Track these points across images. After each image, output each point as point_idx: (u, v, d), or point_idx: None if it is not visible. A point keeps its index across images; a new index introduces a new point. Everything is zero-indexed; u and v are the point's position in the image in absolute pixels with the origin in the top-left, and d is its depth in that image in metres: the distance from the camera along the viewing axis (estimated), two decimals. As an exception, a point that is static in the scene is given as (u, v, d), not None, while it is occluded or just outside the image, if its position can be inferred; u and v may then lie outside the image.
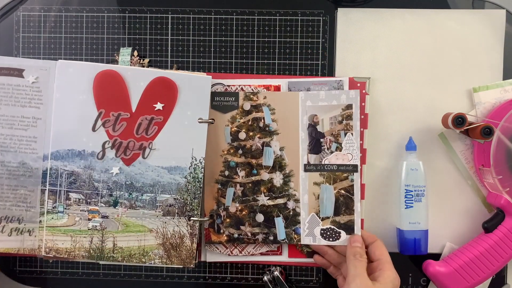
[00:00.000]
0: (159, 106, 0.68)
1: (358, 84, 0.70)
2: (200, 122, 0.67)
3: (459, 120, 0.66)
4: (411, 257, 0.72)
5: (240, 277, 0.74)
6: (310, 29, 0.73)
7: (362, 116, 0.70)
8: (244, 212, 0.70)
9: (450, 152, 0.72)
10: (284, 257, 0.72)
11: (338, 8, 0.72)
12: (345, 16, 0.72)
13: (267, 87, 0.71)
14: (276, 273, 0.71)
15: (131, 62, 0.72)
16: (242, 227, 0.70)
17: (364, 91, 0.70)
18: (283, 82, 0.71)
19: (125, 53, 0.72)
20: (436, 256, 0.71)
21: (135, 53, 0.73)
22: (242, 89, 0.71)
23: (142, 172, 0.68)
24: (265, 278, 0.71)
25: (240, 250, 0.71)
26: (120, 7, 0.74)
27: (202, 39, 0.73)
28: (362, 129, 0.70)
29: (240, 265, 0.73)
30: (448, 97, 0.72)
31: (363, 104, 0.70)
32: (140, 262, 0.69)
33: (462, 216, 0.72)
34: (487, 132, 0.66)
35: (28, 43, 0.74)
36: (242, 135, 0.70)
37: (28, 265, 0.74)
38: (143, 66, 0.72)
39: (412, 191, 0.69)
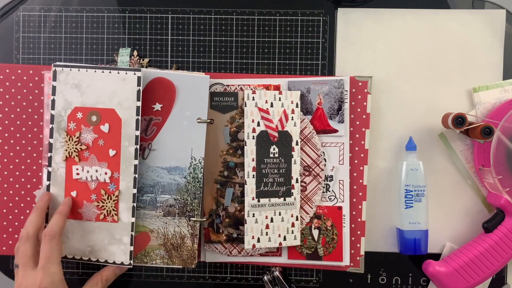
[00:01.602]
0: (157, 106, 0.68)
1: (360, 83, 0.70)
2: (199, 122, 0.67)
3: (459, 120, 0.66)
4: (411, 257, 0.72)
5: (240, 277, 0.74)
6: (310, 29, 0.73)
7: (364, 116, 0.70)
8: (243, 213, 0.70)
9: (450, 152, 0.72)
10: (283, 259, 0.72)
11: (338, 8, 0.72)
12: (345, 16, 0.72)
13: (267, 87, 0.71)
14: (276, 273, 0.71)
15: (130, 62, 0.72)
16: (241, 227, 0.70)
17: (365, 90, 0.70)
18: (282, 81, 0.71)
19: (124, 54, 0.72)
20: (436, 256, 0.71)
21: (135, 53, 0.73)
22: (241, 89, 0.71)
23: (142, 172, 0.68)
24: (265, 278, 0.71)
25: (239, 250, 0.71)
26: (120, 7, 0.74)
27: (202, 39, 0.73)
28: (364, 129, 0.70)
29: (240, 265, 0.73)
30: (448, 97, 0.72)
31: (364, 103, 0.70)
32: (142, 262, 0.69)
33: (462, 216, 0.72)
34: (487, 132, 0.66)
35: (28, 43, 0.74)
36: (242, 136, 0.70)
37: (28, 265, 0.74)
38: (143, 66, 0.72)
39: (412, 191, 0.68)
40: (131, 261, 0.66)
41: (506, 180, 0.67)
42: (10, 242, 0.73)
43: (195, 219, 0.68)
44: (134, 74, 0.65)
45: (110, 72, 0.66)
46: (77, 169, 0.67)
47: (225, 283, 0.74)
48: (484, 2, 0.72)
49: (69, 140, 0.66)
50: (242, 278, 0.73)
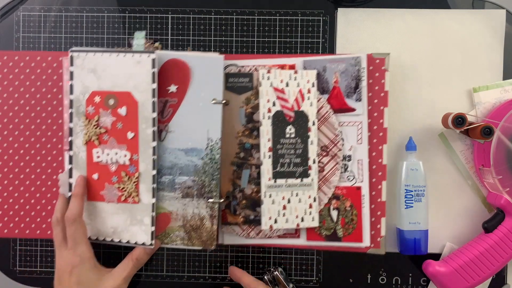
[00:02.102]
0: (172, 88, 0.68)
1: (377, 61, 0.70)
2: (214, 103, 0.67)
3: (459, 120, 0.66)
4: (411, 257, 0.72)
5: (240, 277, 0.74)
6: (310, 29, 0.73)
7: (382, 94, 0.69)
8: (260, 194, 0.69)
9: (450, 152, 0.72)
10: (302, 240, 0.71)
11: (338, 8, 0.72)
12: (345, 16, 0.72)
13: (282, 67, 0.70)
14: (276, 273, 0.71)
15: (145, 45, 0.72)
16: (258, 209, 0.70)
17: (383, 68, 0.69)
18: (298, 61, 0.70)
19: (139, 37, 0.72)
20: (436, 256, 0.71)
21: (146, 38, 0.73)
22: (256, 69, 0.71)
23: (160, 155, 0.68)
24: (265, 278, 0.71)
25: (257, 232, 0.71)
26: (120, 7, 0.74)
27: (202, 39, 0.73)
28: (382, 108, 0.69)
29: (240, 265, 0.73)
30: (448, 97, 0.72)
31: (382, 81, 0.69)
32: (163, 243, 0.69)
33: (462, 216, 0.72)
34: (487, 132, 0.66)
35: (28, 43, 0.74)
36: (257, 117, 0.69)
37: (28, 265, 0.74)
38: (157, 49, 0.72)
39: (412, 191, 0.68)
40: (153, 241, 0.67)
41: (506, 180, 0.67)
42: (33, 225, 0.73)
43: (213, 200, 0.68)
44: (149, 56, 0.65)
45: (124, 56, 0.66)
46: (97, 152, 0.67)
47: (225, 283, 0.74)
48: (484, 2, 0.72)
49: (88, 124, 0.67)
50: (242, 278, 0.73)
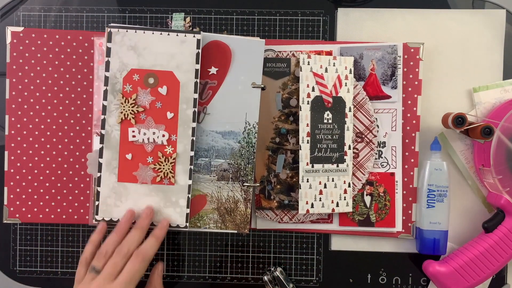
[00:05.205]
0: (213, 70, 0.68)
1: (412, 50, 0.70)
2: (253, 87, 0.67)
3: (459, 120, 0.66)
4: (411, 257, 0.72)
5: (240, 277, 0.74)
6: (310, 29, 0.73)
7: (416, 82, 0.70)
8: (294, 179, 0.70)
9: (450, 152, 0.72)
10: (335, 226, 0.71)
11: (338, 8, 0.72)
12: (345, 16, 0.72)
13: (319, 53, 0.71)
14: (276, 273, 0.71)
15: (184, 27, 0.72)
16: (292, 194, 0.70)
17: (418, 57, 0.70)
18: (334, 47, 0.71)
19: (178, 18, 0.71)
20: (436, 256, 0.71)
21: (187, 19, 0.73)
22: (293, 55, 0.71)
23: (197, 136, 0.68)
24: (265, 278, 0.71)
25: (290, 217, 0.71)
26: (120, 7, 0.74)
27: (202, 39, 0.73)
28: (416, 96, 0.70)
29: (240, 265, 0.73)
30: (448, 97, 0.72)
31: (416, 70, 0.70)
32: (196, 226, 0.69)
33: (462, 216, 0.72)
34: (487, 132, 0.66)
35: (28, 43, 0.74)
36: (294, 102, 0.70)
37: (28, 265, 0.74)
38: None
39: (435, 191, 0.68)
40: (187, 224, 0.67)
41: (506, 180, 0.67)
42: (59, 210, 0.73)
43: (248, 184, 0.68)
44: (194, 36, 0.66)
45: (168, 35, 0.66)
46: (133, 131, 0.67)
47: (225, 283, 0.74)
48: (484, 2, 0.72)
49: (125, 102, 0.66)
50: (242, 278, 0.74)
